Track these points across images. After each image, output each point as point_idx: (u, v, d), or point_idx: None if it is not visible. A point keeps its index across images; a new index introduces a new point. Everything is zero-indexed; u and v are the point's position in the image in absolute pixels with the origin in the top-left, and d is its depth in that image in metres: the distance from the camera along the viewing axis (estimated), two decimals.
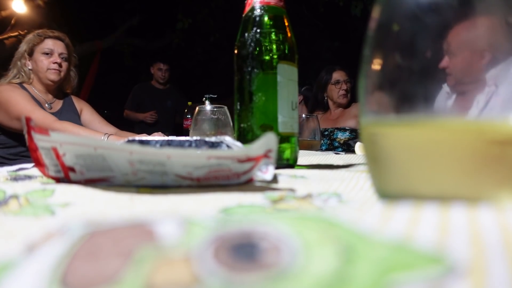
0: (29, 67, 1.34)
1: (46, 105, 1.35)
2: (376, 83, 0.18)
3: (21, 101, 1.23)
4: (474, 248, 0.09)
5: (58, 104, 1.40)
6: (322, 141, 1.75)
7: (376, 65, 0.18)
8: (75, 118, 1.40)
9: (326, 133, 1.81)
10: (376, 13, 0.19)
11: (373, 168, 0.18)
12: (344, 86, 1.84)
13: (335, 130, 1.78)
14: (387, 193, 0.17)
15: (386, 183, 0.17)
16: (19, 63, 1.33)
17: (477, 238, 0.09)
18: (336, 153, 0.92)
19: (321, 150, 1.72)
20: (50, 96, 1.38)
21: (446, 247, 0.09)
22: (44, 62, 1.33)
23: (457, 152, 0.15)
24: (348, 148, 1.72)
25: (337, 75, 1.87)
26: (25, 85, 1.32)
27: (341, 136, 1.77)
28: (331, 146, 1.78)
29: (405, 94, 0.17)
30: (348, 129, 1.80)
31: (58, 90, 1.42)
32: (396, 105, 0.18)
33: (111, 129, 1.46)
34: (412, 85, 0.17)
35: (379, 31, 0.18)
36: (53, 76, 1.33)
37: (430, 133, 0.15)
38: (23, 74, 1.33)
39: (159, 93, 2.81)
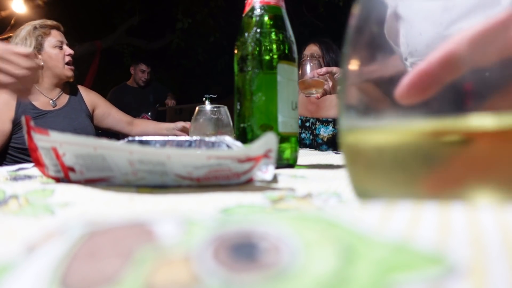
0: (41, 63, 1.19)
1: (51, 102, 1.25)
2: (354, 84, 0.19)
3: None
4: (474, 249, 0.09)
5: (63, 100, 1.29)
6: (305, 135, 1.61)
7: (355, 65, 0.19)
8: (80, 115, 1.30)
9: (308, 124, 1.64)
10: (355, 11, 0.19)
11: (350, 169, 0.19)
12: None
13: (317, 123, 1.61)
14: (363, 193, 0.18)
15: (362, 184, 0.18)
16: None
17: (477, 239, 0.09)
18: (336, 153, 0.92)
19: (306, 144, 1.60)
20: (55, 92, 1.27)
21: (446, 247, 0.09)
22: (60, 56, 1.21)
23: (420, 154, 0.16)
24: (334, 145, 1.58)
25: (307, 50, 1.61)
26: None
27: (324, 133, 1.61)
28: (315, 143, 1.62)
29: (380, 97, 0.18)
30: (331, 121, 1.60)
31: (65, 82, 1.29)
32: (373, 108, 0.18)
33: (128, 118, 1.40)
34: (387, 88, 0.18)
35: (357, 30, 0.19)
36: (70, 73, 1.23)
37: (395, 138, 0.16)
38: None
39: (141, 91, 2.73)
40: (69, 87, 1.32)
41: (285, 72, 0.45)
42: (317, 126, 1.62)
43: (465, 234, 0.09)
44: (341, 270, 0.09)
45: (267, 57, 0.45)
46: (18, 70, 0.69)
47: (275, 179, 0.33)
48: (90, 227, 0.11)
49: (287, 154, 0.46)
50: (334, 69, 1.08)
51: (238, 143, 0.40)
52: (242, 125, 0.46)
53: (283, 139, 0.45)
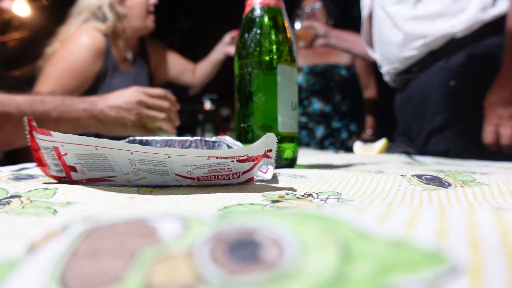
0: (125, 12, 1.00)
1: (128, 57, 1.07)
2: None
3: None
4: (474, 249, 0.09)
5: (134, 60, 1.11)
6: (314, 80, 1.58)
7: None
8: (143, 81, 1.12)
9: (318, 70, 1.59)
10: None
11: None
12: (312, 14, 1.51)
13: (329, 68, 1.58)
14: None
15: None
16: (116, 9, 0.98)
17: (476, 239, 0.09)
18: (335, 152, 0.92)
19: (315, 90, 1.58)
20: (130, 48, 1.08)
21: (445, 246, 0.09)
22: (144, 4, 1.01)
23: None
24: (346, 91, 1.58)
25: (306, 3, 1.57)
26: (111, 37, 1.00)
27: (338, 76, 1.57)
28: (326, 88, 1.58)
29: None
30: (342, 67, 1.58)
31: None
32: None
33: (192, 65, 1.24)
34: None
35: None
36: (152, 24, 1.05)
37: None
38: (114, 20, 0.98)
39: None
40: (139, 44, 1.15)
41: (285, 73, 0.46)
42: (329, 71, 1.59)
43: (464, 234, 0.10)
44: (340, 269, 0.09)
45: (267, 58, 0.45)
46: (162, 114, 0.70)
47: (275, 178, 0.34)
48: (89, 224, 0.11)
49: (287, 154, 0.46)
50: (315, 24, 1.21)
51: (238, 143, 0.40)
52: (242, 125, 0.46)
53: (283, 139, 0.45)
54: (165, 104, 0.70)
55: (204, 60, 1.31)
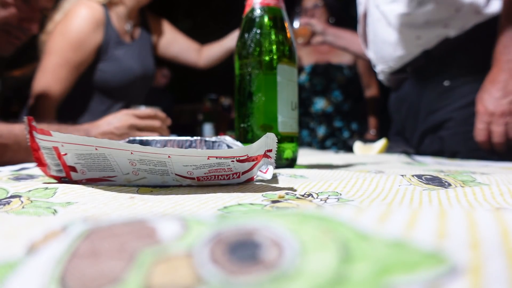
0: None
1: (127, 30, 1.07)
2: None
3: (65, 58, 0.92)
4: (473, 249, 0.09)
5: (136, 32, 1.10)
6: (317, 81, 1.59)
7: None
8: (147, 53, 1.12)
9: (320, 70, 1.60)
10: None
11: None
12: (311, 14, 1.49)
13: (331, 69, 1.59)
14: None
15: None
16: None
17: (476, 239, 0.09)
18: (335, 152, 0.92)
19: (317, 90, 1.60)
20: (130, 23, 1.07)
21: (445, 246, 0.09)
22: None
23: None
24: (347, 92, 1.60)
25: (306, 2, 1.54)
26: (109, 7, 1.01)
27: (341, 76, 1.59)
28: (328, 88, 1.59)
29: None
30: (345, 67, 1.59)
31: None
32: None
33: (197, 46, 1.23)
34: None
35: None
36: None
37: None
38: None
39: (157, 93, 2.74)
40: (141, 17, 1.14)
41: (285, 73, 0.46)
42: (331, 71, 1.59)
43: (464, 234, 0.09)
44: (340, 270, 0.09)
45: (267, 58, 0.45)
46: (154, 135, 0.70)
47: (275, 178, 0.34)
48: (89, 224, 0.11)
49: (287, 154, 0.46)
50: (313, 21, 1.21)
51: (238, 143, 0.40)
52: (242, 125, 0.46)
53: (282, 139, 0.45)
54: (156, 123, 0.71)
55: (215, 44, 1.29)
